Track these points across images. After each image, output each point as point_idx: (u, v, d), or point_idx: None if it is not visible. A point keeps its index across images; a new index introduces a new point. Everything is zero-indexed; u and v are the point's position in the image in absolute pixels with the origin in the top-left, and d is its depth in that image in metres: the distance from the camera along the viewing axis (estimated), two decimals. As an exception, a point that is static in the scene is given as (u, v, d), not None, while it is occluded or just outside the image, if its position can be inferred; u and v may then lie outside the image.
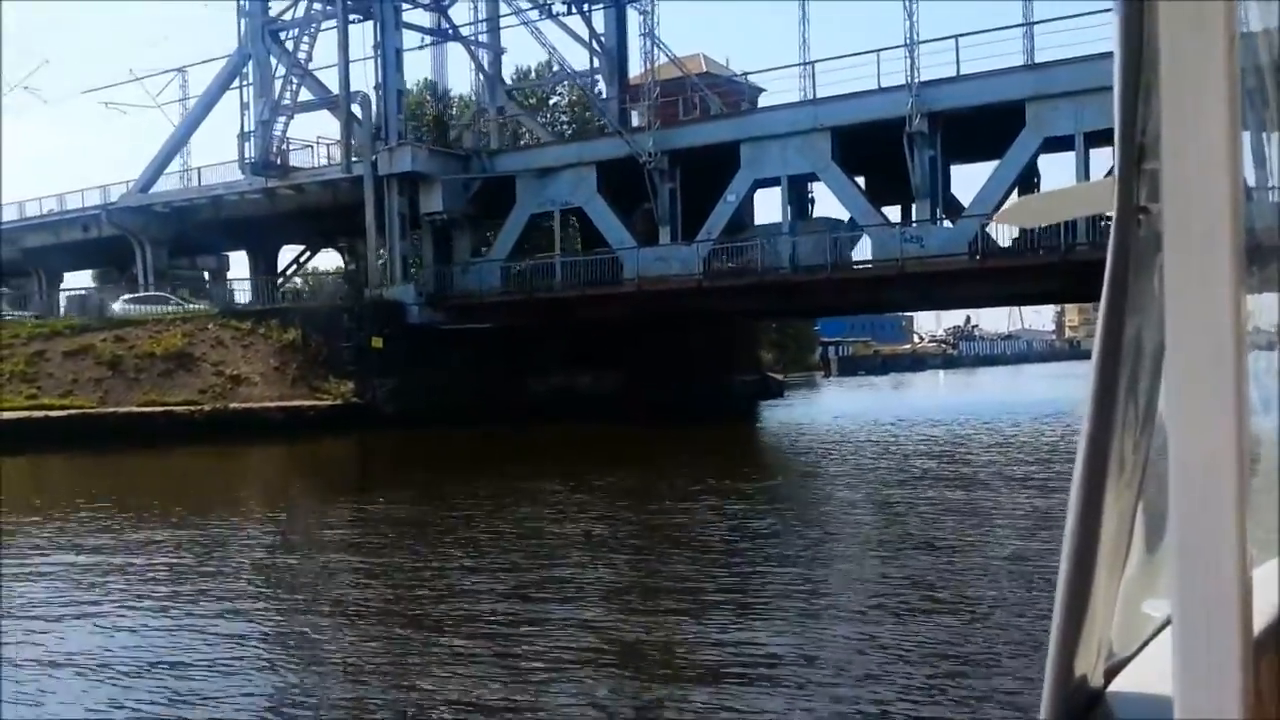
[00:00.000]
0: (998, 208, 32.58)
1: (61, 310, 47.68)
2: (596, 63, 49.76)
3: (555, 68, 47.18)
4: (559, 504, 18.29)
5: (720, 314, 38.53)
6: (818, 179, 35.83)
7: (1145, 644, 1.49)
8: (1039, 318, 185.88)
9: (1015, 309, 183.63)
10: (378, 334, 38.01)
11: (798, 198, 41.28)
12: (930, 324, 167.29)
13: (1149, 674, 1.39)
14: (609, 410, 42.46)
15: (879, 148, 34.02)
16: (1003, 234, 32.21)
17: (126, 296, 45.44)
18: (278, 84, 42.71)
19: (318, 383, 37.90)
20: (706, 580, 11.66)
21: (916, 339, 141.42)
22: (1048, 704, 1.18)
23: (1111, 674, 1.40)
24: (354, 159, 41.49)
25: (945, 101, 33.00)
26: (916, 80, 33.10)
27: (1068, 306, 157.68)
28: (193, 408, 34.95)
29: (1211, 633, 0.91)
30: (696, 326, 49.96)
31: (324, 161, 43.94)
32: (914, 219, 34.15)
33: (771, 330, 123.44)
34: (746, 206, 41.30)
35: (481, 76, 46.86)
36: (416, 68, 79.68)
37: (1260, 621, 1.18)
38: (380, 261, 42.66)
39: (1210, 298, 0.91)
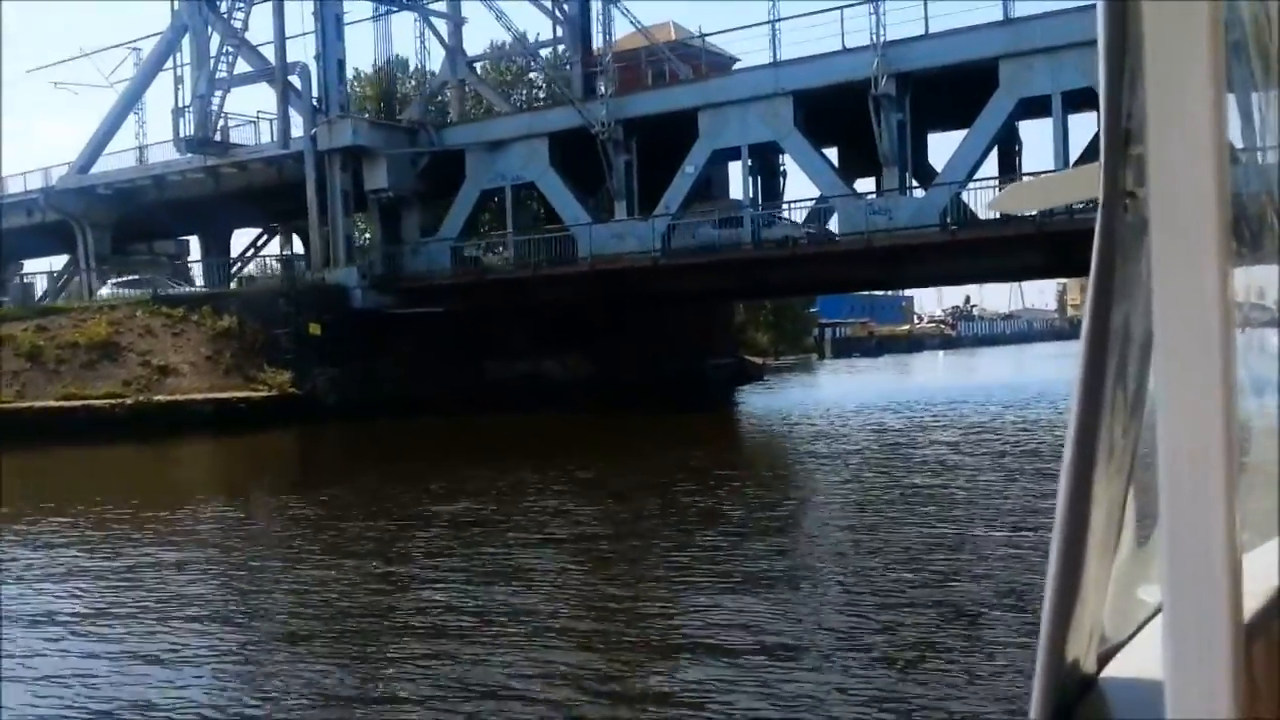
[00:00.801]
0: (970, 175, 30.27)
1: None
2: (560, 32, 47.52)
3: (510, 37, 44.39)
4: (461, 512, 16.03)
5: (679, 294, 36.13)
6: (781, 148, 33.30)
7: (1138, 630, 1.47)
8: (1042, 296, 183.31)
9: (1017, 288, 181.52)
10: (317, 320, 35.71)
11: (766, 169, 38.97)
12: (933, 304, 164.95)
13: (1142, 660, 1.37)
14: (573, 397, 40.30)
15: (849, 116, 31.59)
16: (980, 204, 29.88)
17: (115, 280, 43.16)
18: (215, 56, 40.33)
19: (254, 373, 35.62)
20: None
21: (917, 320, 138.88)
22: (1039, 690, 1.15)
23: (1104, 660, 1.38)
24: (299, 134, 39.15)
25: (913, 61, 30.54)
26: (882, 39, 30.64)
27: (1069, 285, 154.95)
28: (114, 401, 32.68)
29: (1202, 618, 0.92)
30: (669, 308, 47.80)
31: (267, 138, 41.57)
32: (885, 189, 31.71)
33: (768, 312, 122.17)
34: (719, 178, 39.00)
35: (425, 45, 44.34)
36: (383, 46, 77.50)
37: (1251, 606, 1.18)
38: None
39: (1197, 282, 0.91)
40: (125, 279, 43.49)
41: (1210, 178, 0.89)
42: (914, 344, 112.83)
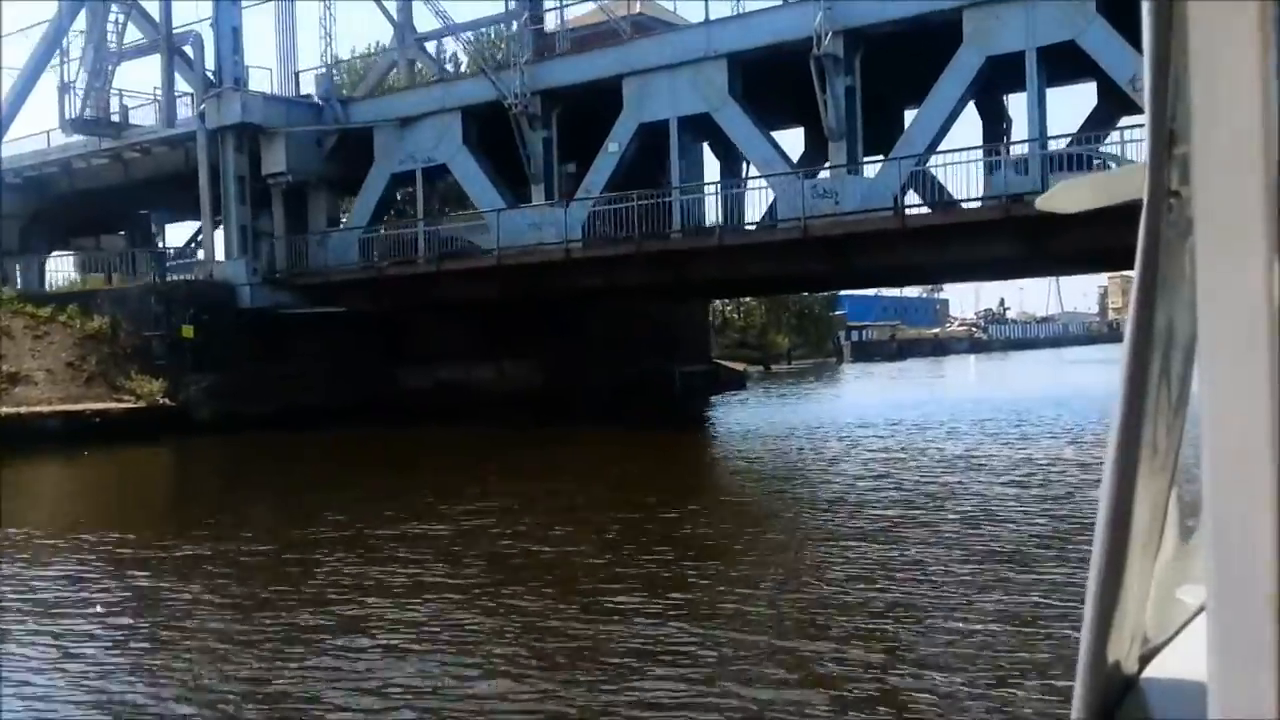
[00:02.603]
0: (932, 147, 25.20)
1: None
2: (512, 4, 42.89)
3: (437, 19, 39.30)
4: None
5: (599, 293, 31.27)
6: (714, 121, 28.23)
7: (1180, 630, 1.46)
8: (1085, 300, 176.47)
9: (1055, 291, 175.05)
10: (194, 320, 31.26)
11: (724, 148, 34.00)
12: (973, 307, 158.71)
13: (1184, 660, 1.35)
14: (505, 409, 35.77)
15: (810, 88, 26.56)
16: (954, 182, 24.77)
17: (171, 263, 39.21)
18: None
19: (122, 381, 31.26)
20: None
21: (949, 322, 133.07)
22: (1081, 691, 1.15)
23: (1146, 660, 1.37)
24: (199, 110, 34.70)
25: (863, 15, 25.47)
26: (828, -12, 25.62)
27: (1109, 287, 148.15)
28: (-54, 413, 28.44)
29: (1246, 618, 0.91)
30: (630, 307, 43.17)
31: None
32: (832, 168, 26.63)
33: (791, 315, 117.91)
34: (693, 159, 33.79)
35: (330, 11, 39.57)
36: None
37: None
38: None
39: (1242, 282, 0.91)
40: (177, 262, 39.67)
41: (1257, 177, 0.87)
42: (939, 347, 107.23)
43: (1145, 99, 1.04)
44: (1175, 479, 1.25)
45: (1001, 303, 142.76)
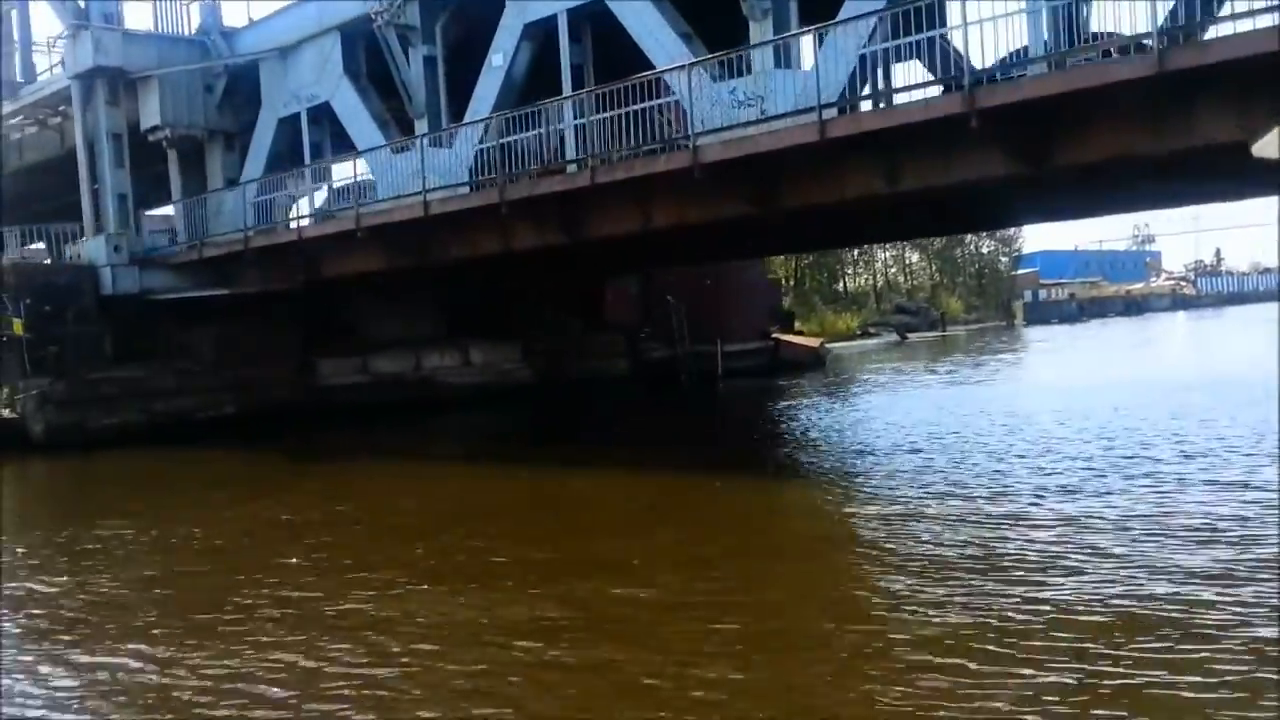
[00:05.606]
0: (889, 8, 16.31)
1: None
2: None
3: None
4: None
5: (487, 264, 23.56)
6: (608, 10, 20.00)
7: None
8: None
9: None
10: (30, 311, 25.41)
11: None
12: (1193, 259, 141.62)
13: None
14: (473, 411, 29.08)
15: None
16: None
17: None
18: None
19: (-41, 388, 25.83)
20: None
21: (1158, 276, 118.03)
22: None
23: None
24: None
25: None
26: None
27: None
28: None
29: None
30: (652, 270, 35.58)
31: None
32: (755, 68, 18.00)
33: (970, 275, 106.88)
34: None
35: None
36: None
37: None
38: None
39: None
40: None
41: None
42: (1133, 306, 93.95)
43: None
44: None
45: (1217, 253, 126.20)
